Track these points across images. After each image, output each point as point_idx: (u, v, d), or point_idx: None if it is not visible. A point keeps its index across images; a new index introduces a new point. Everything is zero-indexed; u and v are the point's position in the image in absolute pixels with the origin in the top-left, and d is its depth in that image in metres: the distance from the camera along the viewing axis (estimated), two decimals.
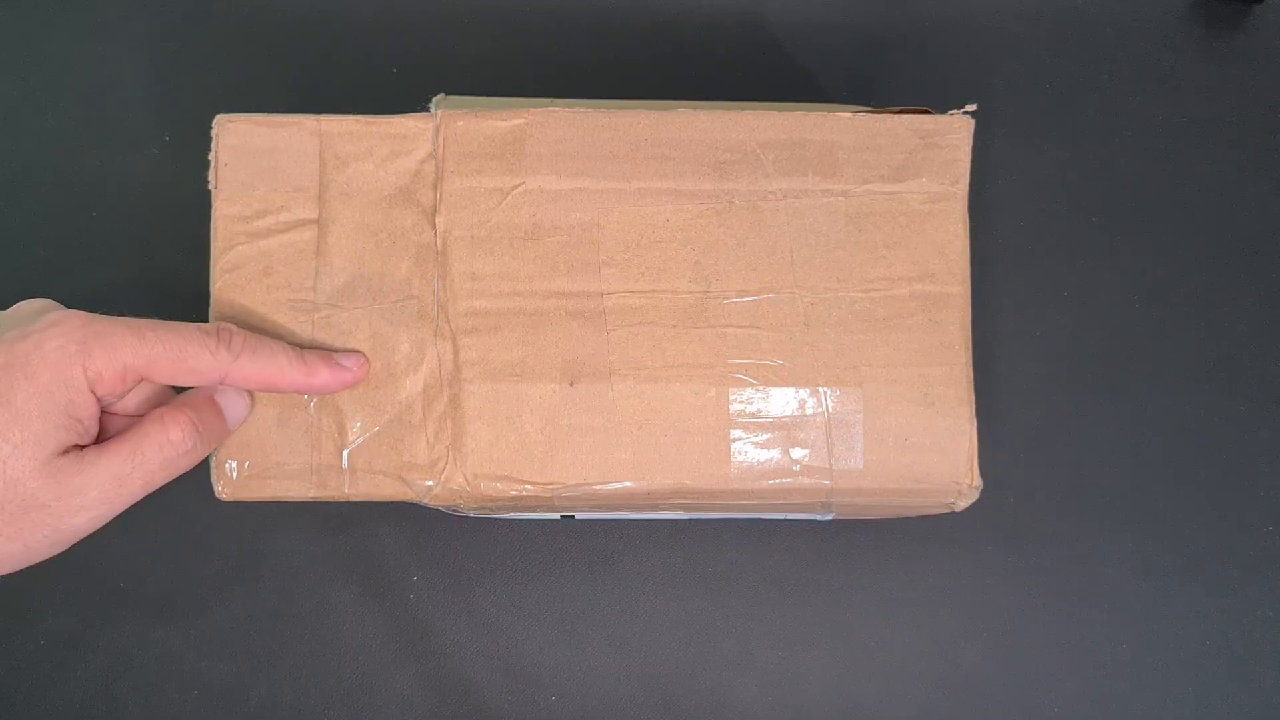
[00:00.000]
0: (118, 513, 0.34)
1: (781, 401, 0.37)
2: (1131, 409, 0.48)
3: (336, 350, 0.38)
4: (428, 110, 0.39)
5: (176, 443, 0.34)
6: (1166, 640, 0.47)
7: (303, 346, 0.37)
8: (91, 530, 0.34)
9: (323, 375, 0.37)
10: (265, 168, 0.38)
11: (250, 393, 0.37)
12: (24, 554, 0.34)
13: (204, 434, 0.35)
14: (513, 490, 0.37)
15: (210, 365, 0.35)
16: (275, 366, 0.36)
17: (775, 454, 0.37)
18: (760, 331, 0.37)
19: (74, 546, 0.47)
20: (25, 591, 0.47)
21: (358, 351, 0.38)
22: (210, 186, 0.38)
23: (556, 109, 0.38)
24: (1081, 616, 0.47)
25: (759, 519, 0.45)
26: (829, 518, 0.42)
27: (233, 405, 0.36)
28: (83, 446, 0.34)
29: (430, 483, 0.37)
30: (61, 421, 0.33)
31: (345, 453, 0.37)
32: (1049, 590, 0.47)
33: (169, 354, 0.34)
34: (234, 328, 0.36)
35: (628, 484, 0.37)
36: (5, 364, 0.32)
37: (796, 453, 0.37)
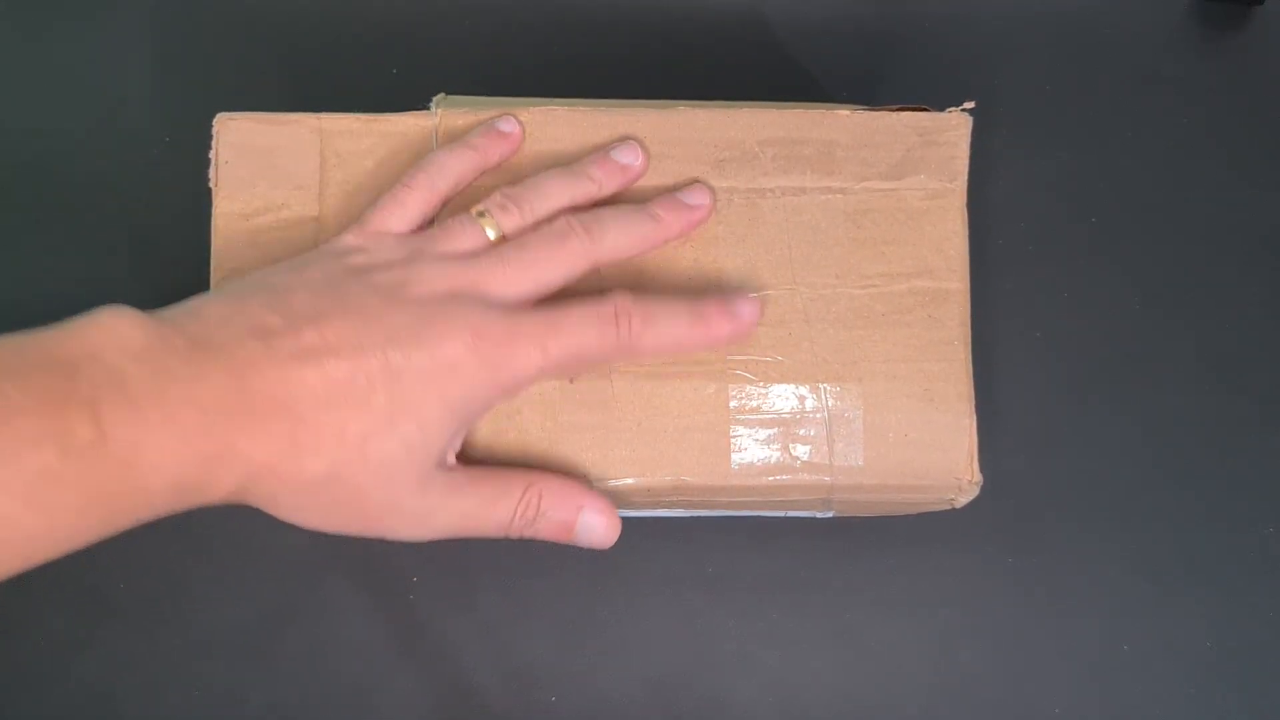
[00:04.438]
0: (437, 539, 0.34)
1: (781, 398, 0.37)
2: (1132, 409, 0.48)
3: (728, 293, 0.36)
4: (428, 109, 0.39)
5: (518, 514, 0.34)
6: (1166, 640, 0.47)
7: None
8: (410, 540, 0.34)
9: (723, 329, 0.35)
10: (266, 165, 0.38)
11: (614, 520, 0.36)
12: (349, 531, 0.33)
13: (541, 525, 0.35)
14: None
15: (607, 356, 0.34)
16: (674, 335, 0.34)
17: (775, 450, 0.37)
18: (760, 328, 0.37)
19: None
20: (24, 592, 0.47)
21: (749, 296, 0.36)
22: (210, 184, 0.38)
23: (556, 108, 0.38)
24: (1081, 616, 0.47)
25: (759, 518, 0.45)
26: (829, 515, 0.42)
27: (593, 526, 0.35)
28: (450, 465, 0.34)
29: None
30: (452, 440, 0.33)
31: None
32: (1049, 590, 0.47)
33: (572, 359, 0.33)
34: (629, 299, 0.34)
35: (627, 481, 0.37)
36: (427, 370, 0.31)
37: (796, 449, 0.37)
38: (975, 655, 0.47)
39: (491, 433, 0.37)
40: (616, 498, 0.37)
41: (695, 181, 0.37)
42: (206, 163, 0.38)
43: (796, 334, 0.37)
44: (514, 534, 0.35)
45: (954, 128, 0.38)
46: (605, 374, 0.37)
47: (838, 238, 0.38)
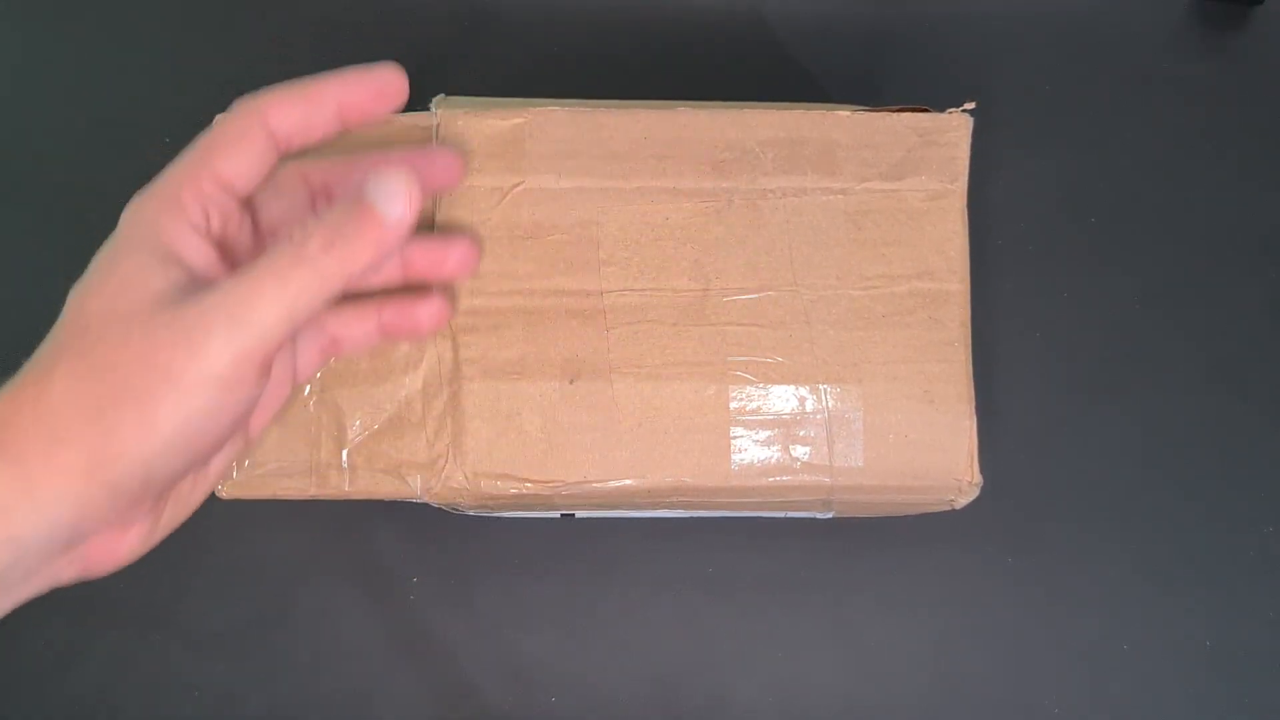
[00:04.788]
0: (260, 378, 0.27)
1: (781, 399, 0.37)
2: (1131, 409, 0.48)
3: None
4: (428, 110, 0.39)
5: (298, 238, 0.27)
6: (1166, 640, 0.47)
7: None
8: (228, 364, 0.26)
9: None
10: None
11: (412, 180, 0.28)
12: (140, 461, 0.26)
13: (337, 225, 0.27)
14: (513, 488, 0.37)
15: (253, 119, 0.29)
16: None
17: (775, 451, 0.37)
18: (760, 329, 0.37)
19: None
20: None
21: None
22: None
23: (556, 108, 0.38)
24: (1081, 616, 0.47)
25: (760, 518, 0.45)
26: (829, 515, 0.42)
27: (389, 196, 0.27)
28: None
29: (430, 481, 0.37)
30: (150, 260, 0.28)
31: (345, 451, 0.37)
32: (1049, 590, 0.47)
33: (214, 143, 0.29)
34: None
35: (628, 482, 0.37)
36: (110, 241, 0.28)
37: (797, 450, 0.37)
38: (975, 655, 0.47)
39: (491, 434, 0.37)
40: (616, 499, 0.37)
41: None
42: None
43: (797, 335, 0.37)
44: (331, 272, 0.27)
45: (954, 128, 0.38)
46: (605, 376, 0.37)
47: (838, 238, 0.38)
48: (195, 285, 0.28)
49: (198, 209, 0.29)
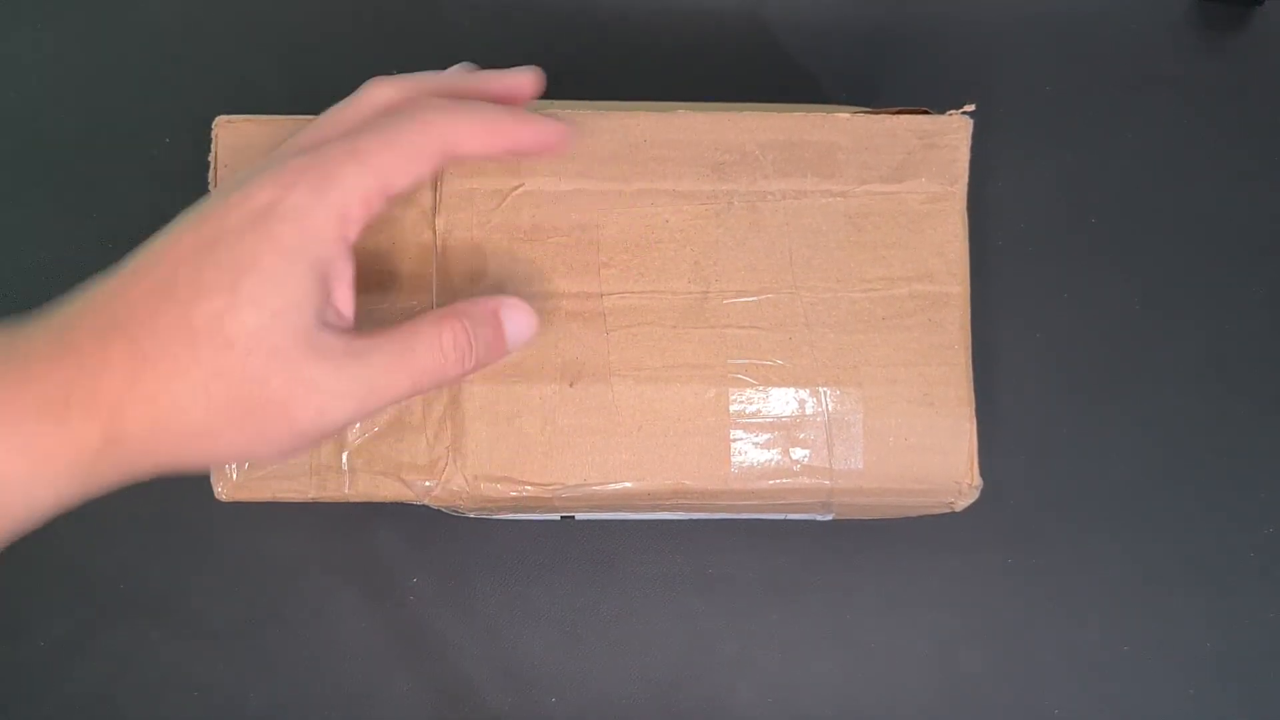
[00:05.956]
0: (367, 416, 0.31)
1: (781, 402, 0.37)
2: (1132, 410, 0.48)
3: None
4: None
5: (448, 349, 0.31)
6: (1166, 641, 0.47)
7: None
8: (338, 429, 0.30)
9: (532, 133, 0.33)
10: None
11: (528, 310, 0.33)
12: (276, 446, 0.30)
13: (478, 347, 0.32)
14: (512, 491, 0.37)
15: (430, 160, 0.31)
16: (477, 137, 0.32)
17: (775, 454, 0.37)
18: (760, 332, 0.37)
19: (72, 550, 0.47)
20: (24, 594, 0.47)
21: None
22: (210, 186, 0.38)
23: (556, 111, 0.38)
24: (1081, 617, 0.47)
25: (759, 520, 0.45)
26: (829, 518, 0.42)
27: (517, 320, 0.33)
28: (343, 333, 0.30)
29: (430, 483, 0.37)
30: (325, 295, 0.30)
31: (345, 454, 0.37)
32: (1049, 591, 0.47)
33: (396, 171, 0.31)
34: (436, 111, 0.32)
35: (627, 484, 0.37)
36: (245, 224, 0.29)
37: (796, 453, 0.37)
38: (975, 656, 0.47)
39: (491, 436, 0.37)
40: (616, 501, 0.37)
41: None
42: (206, 164, 0.38)
43: (797, 338, 0.37)
44: (452, 375, 0.32)
45: (954, 131, 0.38)
46: (605, 378, 0.37)
47: (838, 241, 0.38)
48: (327, 311, 0.30)
49: (360, 228, 0.31)
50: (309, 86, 0.50)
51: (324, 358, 0.29)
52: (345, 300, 0.31)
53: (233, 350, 0.28)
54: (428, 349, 0.31)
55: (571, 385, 0.37)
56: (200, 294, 0.28)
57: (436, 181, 0.38)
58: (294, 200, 0.29)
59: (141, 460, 0.29)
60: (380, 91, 0.33)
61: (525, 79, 0.35)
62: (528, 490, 0.37)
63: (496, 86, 0.35)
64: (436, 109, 0.32)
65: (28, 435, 0.26)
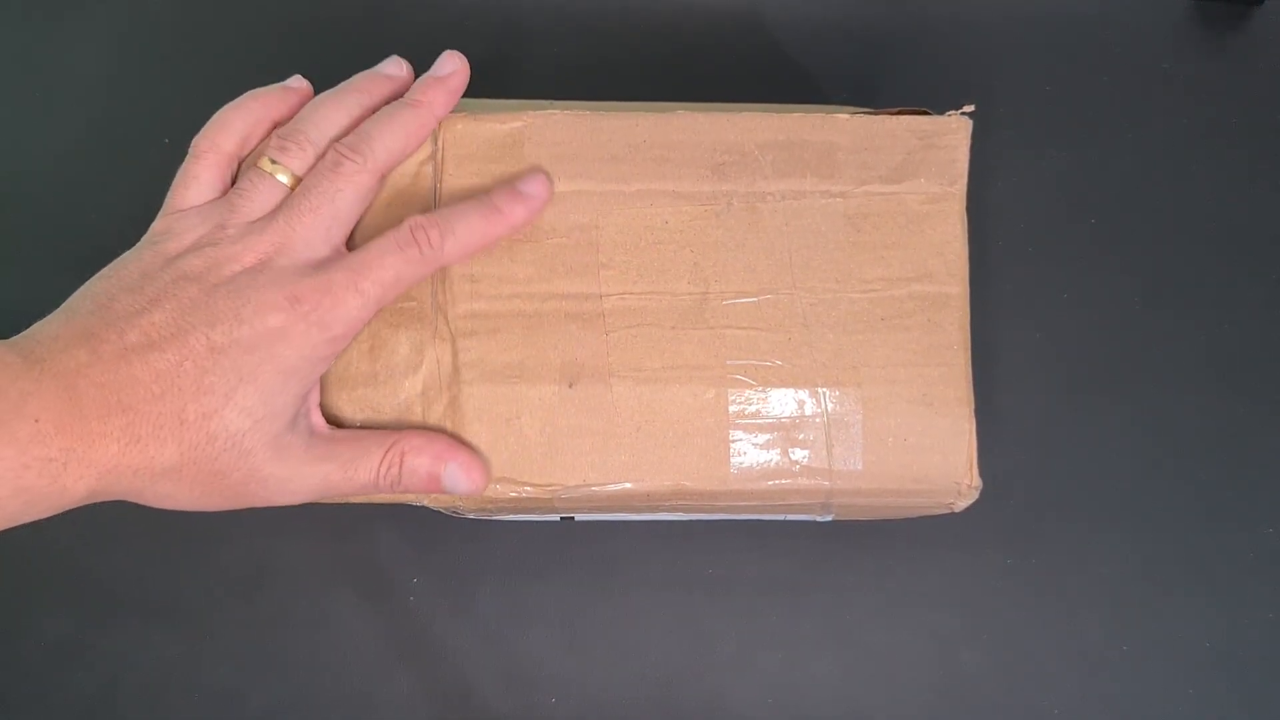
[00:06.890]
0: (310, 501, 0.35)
1: (780, 403, 0.37)
2: (1132, 410, 0.48)
3: (516, 179, 0.37)
4: None
5: (382, 475, 0.35)
6: (1166, 640, 0.47)
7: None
8: (280, 504, 0.35)
9: (517, 213, 0.36)
10: None
11: (480, 470, 0.36)
12: (222, 507, 0.35)
13: (408, 481, 0.36)
14: (512, 492, 0.37)
15: (421, 273, 0.35)
16: (473, 233, 0.36)
17: (775, 455, 0.37)
18: (759, 333, 0.37)
19: (72, 550, 0.47)
20: (25, 596, 0.47)
21: (538, 171, 0.37)
22: None
23: (555, 112, 0.38)
24: (1081, 617, 0.47)
25: (759, 521, 0.45)
26: (829, 519, 0.42)
27: (455, 476, 0.36)
28: (308, 424, 0.35)
29: None
30: (301, 403, 0.34)
31: None
32: (1049, 591, 0.47)
33: (389, 289, 0.35)
34: (422, 216, 0.35)
35: (627, 485, 0.37)
36: (253, 342, 0.33)
37: (796, 454, 0.37)
38: (975, 656, 0.47)
39: (491, 438, 0.37)
40: (615, 502, 0.37)
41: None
42: None
43: (796, 339, 0.37)
44: (382, 491, 0.36)
45: (954, 131, 0.38)
46: (604, 379, 0.37)
47: (838, 241, 0.38)
48: (299, 418, 0.35)
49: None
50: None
51: (283, 459, 0.34)
52: (315, 401, 0.36)
53: (212, 445, 0.32)
54: (367, 471, 0.35)
55: (571, 386, 0.37)
56: (201, 392, 0.32)
57: (436, 183, 0.38)
58: (302, 330, 0.33)
59: (110, 498, 0.33)
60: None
61: (400, 70, 0.39)
62: (527, 491, 0.37)
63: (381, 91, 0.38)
64: (442, 231, 0.35)
65: (24, 486, 0.30)
